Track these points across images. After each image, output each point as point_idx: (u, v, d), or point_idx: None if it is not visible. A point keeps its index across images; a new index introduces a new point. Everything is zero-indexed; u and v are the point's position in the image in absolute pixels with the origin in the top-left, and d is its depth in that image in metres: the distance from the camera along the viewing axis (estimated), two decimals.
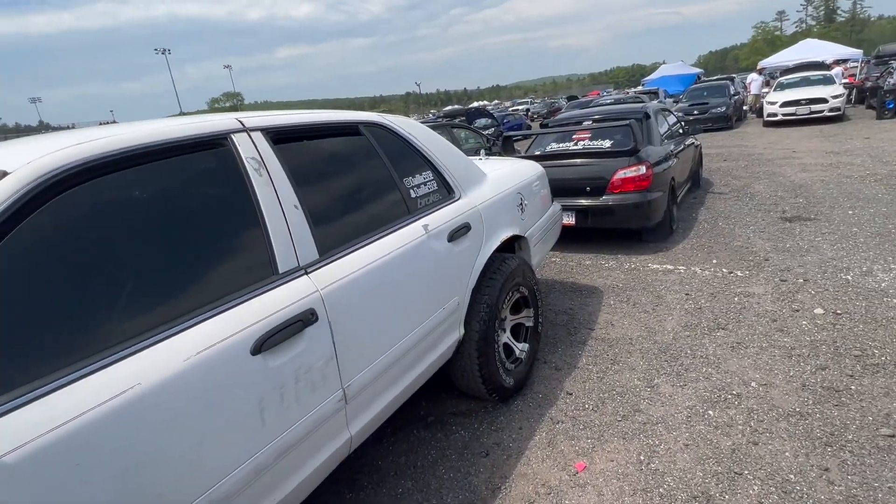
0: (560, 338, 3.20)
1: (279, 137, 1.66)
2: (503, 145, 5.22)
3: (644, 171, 4.46)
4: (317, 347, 1.43)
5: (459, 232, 2.16)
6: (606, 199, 4.55)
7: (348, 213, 1.77)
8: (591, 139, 5.07)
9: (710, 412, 2.32)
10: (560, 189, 4.74)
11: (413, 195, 2.07)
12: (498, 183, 2.67)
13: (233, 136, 1.52)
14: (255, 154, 1.53)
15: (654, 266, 4.30)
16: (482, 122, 14.73)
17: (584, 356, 2.94)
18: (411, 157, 2.16)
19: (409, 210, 2.01)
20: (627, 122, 4.49)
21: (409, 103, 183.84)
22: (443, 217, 2.12)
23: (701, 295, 3.60)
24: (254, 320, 1.29)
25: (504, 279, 2.40)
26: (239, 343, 1.24)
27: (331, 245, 1.63)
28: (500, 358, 2.44)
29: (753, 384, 2.49)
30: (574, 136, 5.20)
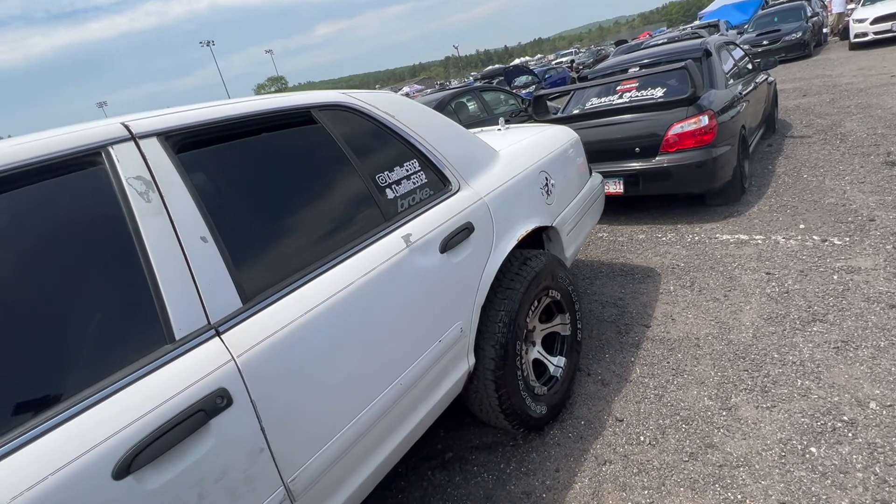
0: (608, 339, 2.66)
1: (186, 142, 1.22)
2: (533, 107, 4.55)
3: (706, 121, 3.69)
4: (233, 442, 1.02)
5: (457, 237, 1.66)
6: (661, 161, 3.83)
7: (291, 236, 1.32)
8: (638, 89, 4.29)
9: (813, 449, 1.74)
10: (603, 152, 4.08)
11: (390, 196, 1.58)
12: (513, 162, 2.12)
13: (111, 150, 1.10)
14: (142, 171, 1.11)
15: (724, 237, 3.59)
16: (522, 79, 13.75)
17: (638, 365, 2.40)
18: (389, 144, 1.67)
19: (384, 216, 1.53)
20: (682, 63, 3.70)
21: (448, 68, 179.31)
22: (433, 220, 1.63)
23: (787, 274, 2.89)
24: (121, 425, 0.89)
25: (526, 286, 1.89)
26: (94, 464, 0.85)
27: (262, 285, 1.19)
28: (528, 383, 1.95)
29: (873, 405, 1.86)
30: (618, 88, 4.44)
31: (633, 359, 2.45)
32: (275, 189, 1.34)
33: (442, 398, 1.62)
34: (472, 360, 1.76)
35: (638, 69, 4.57)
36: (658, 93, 4.13)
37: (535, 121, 4.57)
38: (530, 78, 13.99)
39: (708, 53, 4.31)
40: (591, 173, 2.84)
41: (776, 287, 2.78)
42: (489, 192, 1.88)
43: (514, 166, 2.09)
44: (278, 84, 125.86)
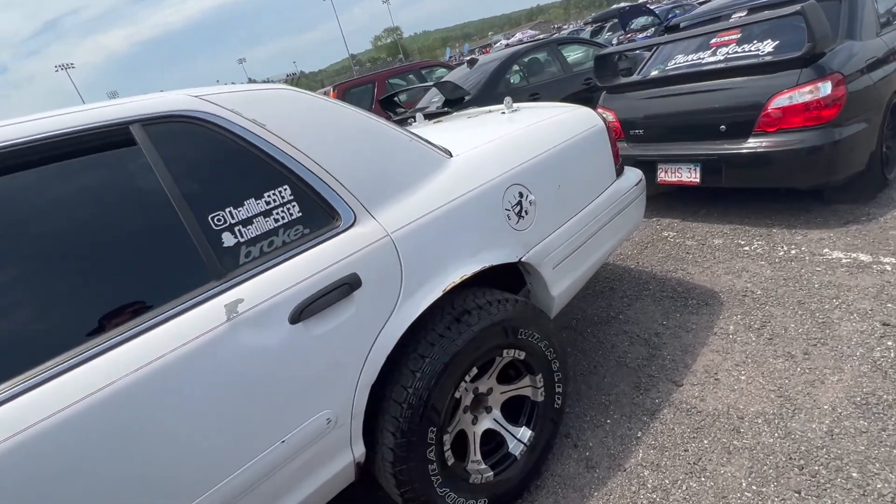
0: (619, 395, 2.04)
1: None
2: (595, 68, 3.67)
3: (828, 90, 2.63)
4: None
5: (325, 299, 1.21)
6: (754, 144, 2.86)
7: (43, 313, 0.99)
8: (740, 43, 3.23)
9: None
10: (676, 130, 3.20)
11: (230, 242, 1.17)
12: (466, 175, 1.57)
13: None
14: None
15: (834, 254, 2.61)
16: (640, 21, 11.99)
17: (645, 445, 1.78)
18: (248, 167, 1.24)
19: (211, 273, 1.13)
20: (798, 7, 2.61)
21: (569, 8, 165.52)
22: (291, 275, 1.19)
23: None
24: None
25: (452, 355, 1.39)
26: None
27: None
28: (453, 473, 1.49)
29: None
30: (713, 42, 3.40)
31: (640, 433, 1.83)
32: (39, 247, 1.01)
33: (311, 496, 1.25)
34: (361, 450, 1.34)
35: (745, 14, 3.44)
36: (766, 48, 3.05)
37: (599, 87, 3.72)
38: (650, 19, 12.07)
39: None
40: (619, 172, 2.12)
41: (892, 352, 1.90)
42: (404, 224, 1.37)
43: (463, 182, 1.54)
44: (394, 35, 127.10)
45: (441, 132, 2.18)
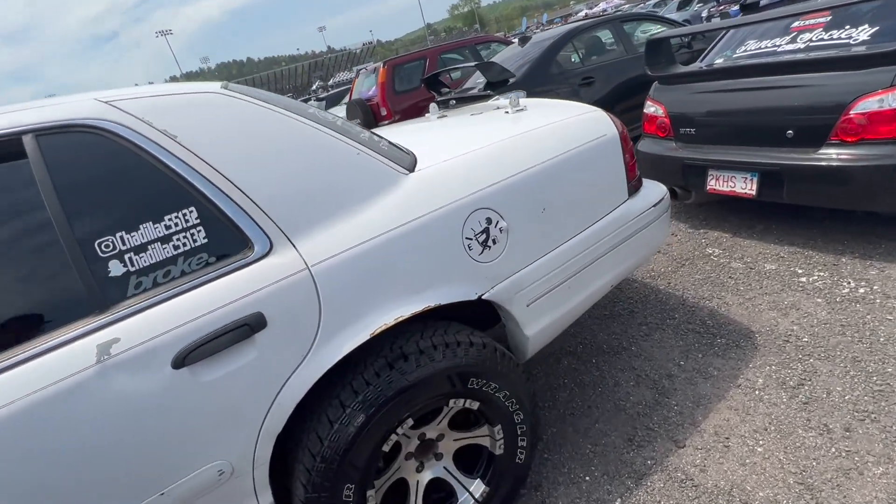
0: (606, 448, 1.78)
1: None
2: (647, 55, 3.19)
3: None
4: None
5: (218, 341, 1.07)
6: (828, 155, 2.37)
7: None
8: (827, 29, 2.66)
9: None
10: (734, 132, 2.76)
11: (118, 271, 1.05)
12: (425, 194, 1.35)
13: None
14: None
15: None
16: None
17: None
18: (151, 186, 1.10)
19: (94, 306, 1.02)
20: None
21: None
22: (183, 311, 1.06)
23: None
24: None
25: (375, 408, 1.22)
26: None
27: None
28: None
29: None
30: (794, 26, 2.84)
31: (620, 502, 1.58)
32: None
33: None
34: (269, 500, 1.22)
35: None
36: (860, 36, 2.49)
37: (650, 75, 3.26)
38: None
39: None
40: (634, 189, 1.80)
41: None
42: (330, 256, 1.19)
43: (415, 205, 1.32)
44: (471, 3, 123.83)
45: (426, 135, 1.96)
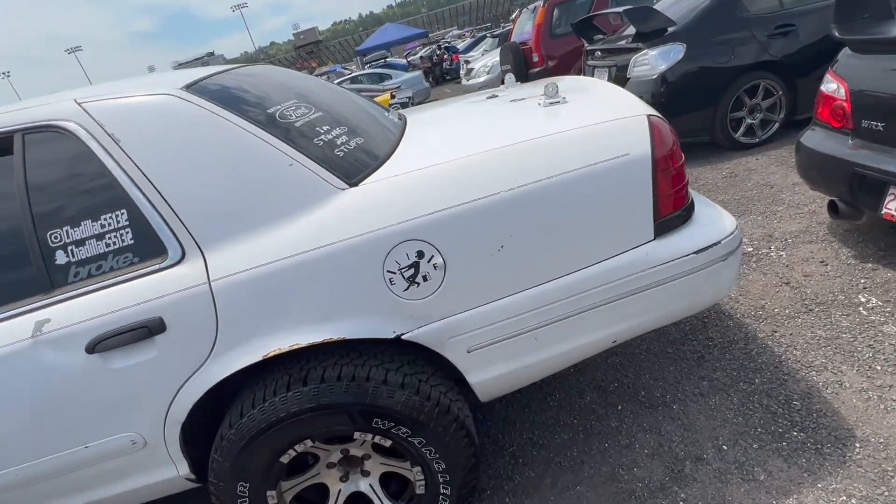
0: None
1: None
2: (836, 12, 2.17)
3: None
4: None
5: (122, 337, 1.18)
6: None
7: None
8: None
9: None
10: None
11: (62, 260, 1.22)
12: (351, 216, 1.23)
13: None
14: None
15: None
16: None
17: None
18: (97, 186, 1.22)
19: (42, 287, 1.22)
20: None
21: None
22: (98, 306, 1.19)
23: None
24: None
25: (269, 424, 1.24)
26: None
27: None
28: None
29: None
30: None
31: None
32: None
33: (140, 489, 1.38)
34: (186, 469, 1.38)
35: None
36: None
37: (838, 37, 2.30)
38: None
39: None
40: (663, 230, 1.35)
41: None
42: (233, 272, 1.19)
43: (335, 227, 1.21)
44: None
45: (446, 125, 1.75)
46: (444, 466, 1.36)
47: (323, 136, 1.39)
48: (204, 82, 1.39)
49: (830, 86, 2.32)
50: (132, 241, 1.22)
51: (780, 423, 1.66)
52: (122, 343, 1.19)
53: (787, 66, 3.79)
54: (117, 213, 1.22)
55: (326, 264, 1.20)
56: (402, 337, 1.26)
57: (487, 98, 2.05)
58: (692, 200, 1.44)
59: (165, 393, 1.25)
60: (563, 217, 1.26)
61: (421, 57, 19.06)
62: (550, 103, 1.61)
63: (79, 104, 1.26)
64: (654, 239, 1.34)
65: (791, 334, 2.02)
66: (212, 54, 61.20)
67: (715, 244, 1.37)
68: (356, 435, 1.32)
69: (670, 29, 3.88)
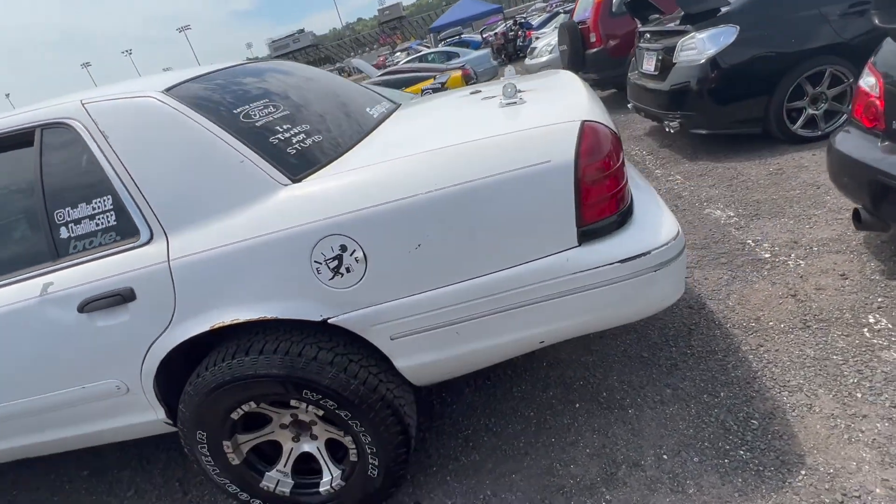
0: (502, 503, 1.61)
1: None
2: None
3: None
4: None
5: (102, 302, 1.43)
6: None
7: None
8: None
9: None
10: None
11: (65, 235, 1.49)
12: (285, 211, 1.37)
13: None
14: None
15: None
16: None
17: None
18: (90, 174, 1.47)
19: (50, 256, 1.50)
20: None
21: None
22: (88, 274, 1.45)
23: None
24: None
25: (216, 385, 1.45)
26: None
27: None
28: (247, 473, 1.64)
29: None
30: None
31: None
32: None
33: (130, 426, 1.68)
34: (162, 414, 1.64)
35: None
36: None
37: (879, 25, 2.03)
38: None
39: None
40: (588, 237, 1.35)
41: None
42: (188, 254, 1.38)
43: (270, 221, 1.36)
44: None
45: (419, 123, 1.82)
46: (370, 439, 1.50)
47: (280, 135, 1.53)
48: (185, 84, 1.58)
49: (868, 80, 2.08)
50: (115, 223, 1.46)
51: (729, 440, 1.61)
52: (103, 306, 1.44)
53: (863, 51, 3.35)
54: (105, 197, 1.46)
55: (263, 252, 1.36)
56: (329, 321, 1.41)
57: (471, 93, 2.08)
58: (629, 206, 1.42)
59: (138, 350, 1.50)
60: (480, 220, 1.32)
61: (496, 33, 18.69)
62: (507, 104, 1.63)
63: (83, 104, 1.50)
64: (579, 245, 1.36)
65: (777, 350, 1.91)
66: (302, 31, 64.03)
67: (644, 254, 1.35)
68: (292, 402, 1.50)
69: (723, 9, 3.57)
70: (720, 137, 4.06)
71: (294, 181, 1.42)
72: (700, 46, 3.60)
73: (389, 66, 16.13)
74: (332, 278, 1.37)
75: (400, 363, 1.48)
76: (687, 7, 3.64)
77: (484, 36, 19.95)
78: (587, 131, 1.34)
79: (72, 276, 1.47)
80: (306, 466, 1.71)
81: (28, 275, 1.51)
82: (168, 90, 1.52)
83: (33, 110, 1.54)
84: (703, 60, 3.59)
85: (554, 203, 1.32)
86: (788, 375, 1.79)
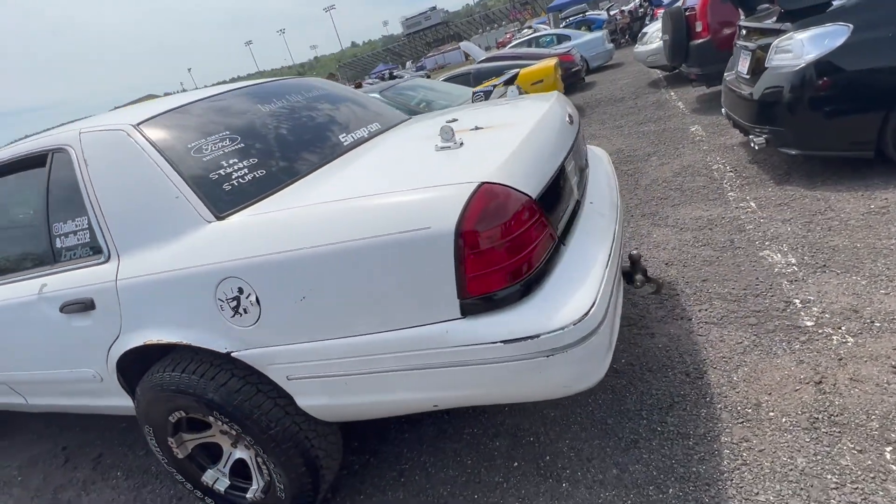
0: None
1: None
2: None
3: None
4: None
5: (75, 306, 1.68)
6: None
7: None
8: None
9: None
10: None
11: (59, 245, 1.77)
12: (199, 248, 1.47)
13: None
14: None
15: None
16: None
17: None
18: (76, 195, 1.71)
19: (48, 261, 1.80)
20: None
21: None
22: (67, 282, 1.71)
23: None
24: None
25: (151, 391, 1.64)
26: None
27: None
28: (190, 466, 1.84)
29: None
30: None
31: None
32: None
33: (111, 406, 1.98)
34: (129, 402, 1.89)
35: None
36: None
37: None
38: None
39: None
40: (475, 310, 1.24)
41: None
42: (129, 276, 1.56)
43: (185, 256, 1.46)
44: None
45: (357, 159, 1.80)
46: (273, 466, 1.59)
47: (223, 171, 1.63)
48: (158, 118, 1.75)
49: None
50: (88, 240, 1.70)
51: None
52: (75, 310, 1.70)
53: None
54: (83, 217, 1.70)
55: (181, 284, 1.49)
56: (232, 354, 1.49)
57: (447, 121, 1.98)
58: (532, 277, 1.27)
59: (102, 350, 1.74)
60: (356, 280, 1.29)
61: (622, 11, 17.20)
62: (442, 148, 1.54)
63: (79, 133, 1.75)
64: (462, 317, 1.26)
65: (762, 451, 1.59)
66: (434, 8, 65.19)
67: (531, 337, 1.21)
68: (209, 419, 1.63)
69: (835, 3, 2.89)
70: (827, 160, 3.36)
71: (219, 218, 1.51)
72: (797, 49, 2.97)
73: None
74: (233, 316, 1.45)
75: (300, 402, 1.52)
76: (785, 3, 3.01)
77: (612, 14, 18.41)
78: (481, 196, 1.22)
79: (60, 281, 1.75)
80: (246, 471, 1.86)
81: (30, 275, 1.84)
82: (139, 124, 1.69)
83: (51, 136, 1.83)
84: (799, 66, 2.96)
85: (432, 272, 1.23)
86: (758, 487, 1.48)
